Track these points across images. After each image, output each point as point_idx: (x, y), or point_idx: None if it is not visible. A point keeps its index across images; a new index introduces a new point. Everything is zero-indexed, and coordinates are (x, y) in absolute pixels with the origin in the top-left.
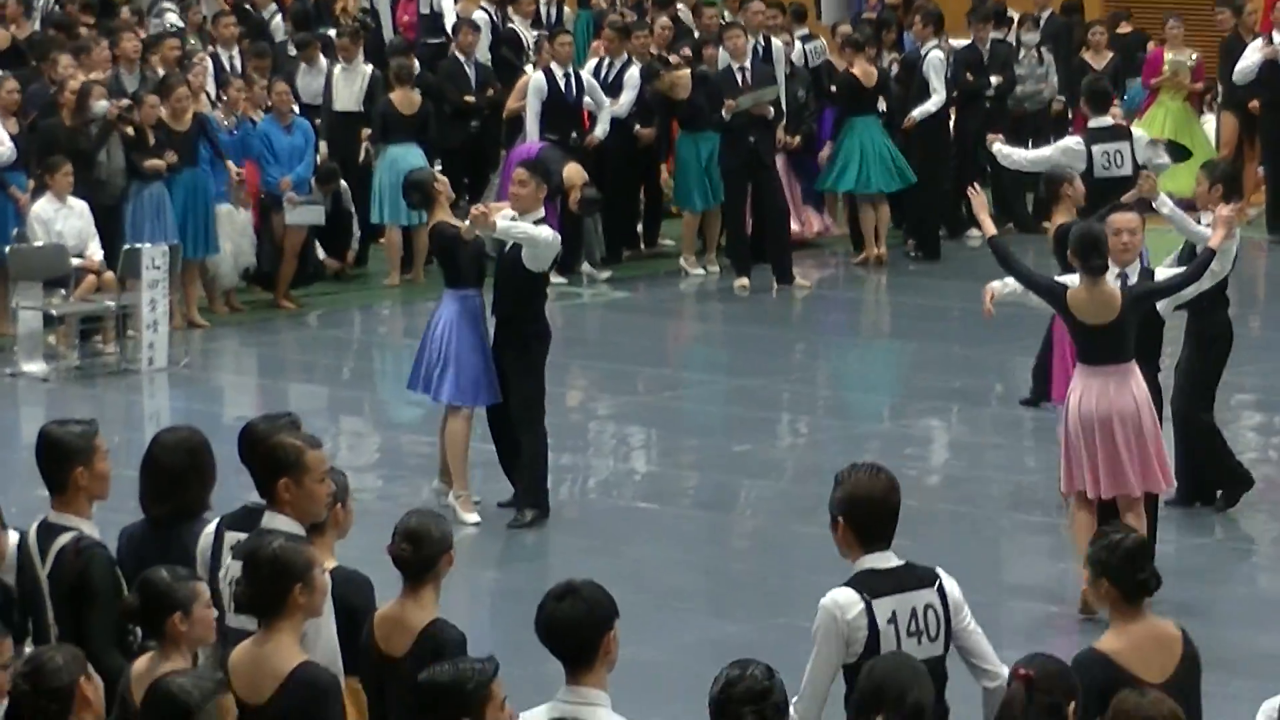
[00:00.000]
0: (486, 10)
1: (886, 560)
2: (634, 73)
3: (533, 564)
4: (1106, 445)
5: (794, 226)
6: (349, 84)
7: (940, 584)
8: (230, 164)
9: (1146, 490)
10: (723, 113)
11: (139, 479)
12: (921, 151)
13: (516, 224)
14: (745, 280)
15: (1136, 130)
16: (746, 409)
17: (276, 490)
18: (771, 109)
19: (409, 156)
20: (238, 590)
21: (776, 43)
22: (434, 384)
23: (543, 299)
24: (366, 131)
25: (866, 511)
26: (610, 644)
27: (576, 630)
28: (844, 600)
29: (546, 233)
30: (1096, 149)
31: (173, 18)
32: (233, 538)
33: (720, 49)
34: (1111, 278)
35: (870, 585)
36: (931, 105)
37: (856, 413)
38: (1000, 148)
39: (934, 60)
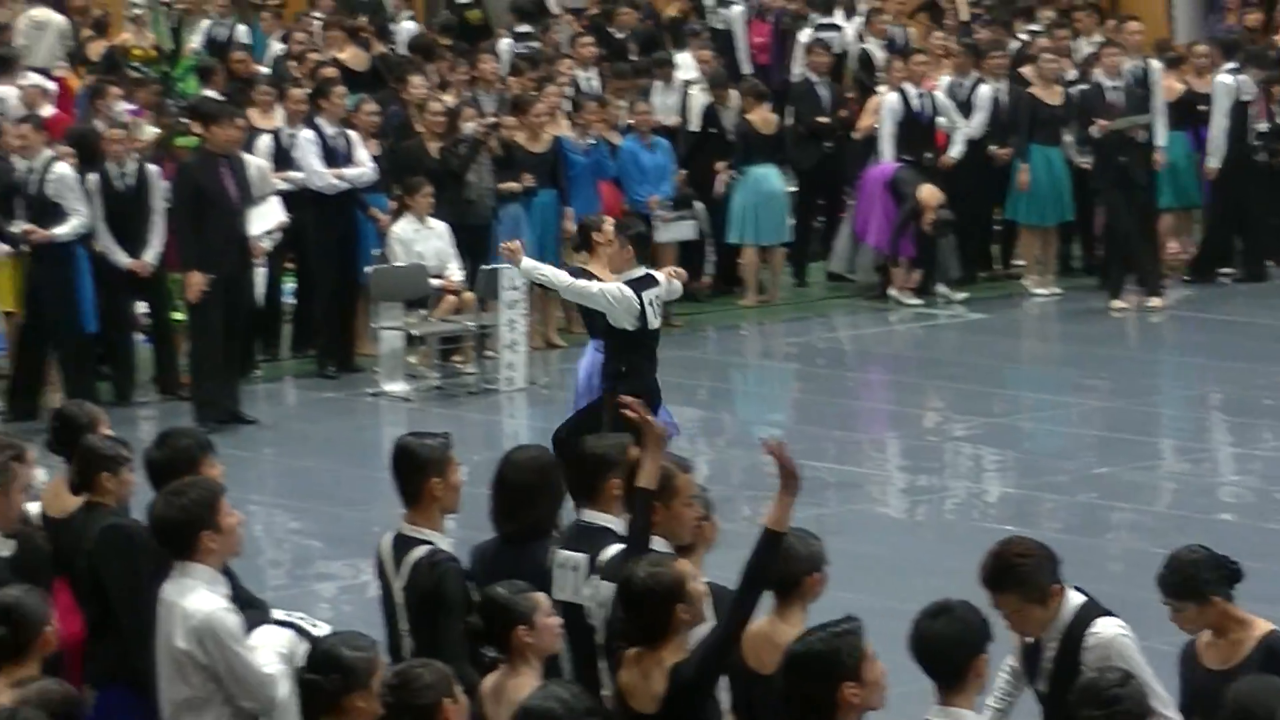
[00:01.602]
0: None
1: None
2: (984, 91)
3: (891, 582)
4: None
5: None
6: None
7: None
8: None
9: None
10: (1092, 130)
11: (490, 497)
12: None
13: (540, 266)
14: (1120, 301)
15: None
16: (1105, 430)
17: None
18: (1144, 131)
19: (771, 177)
20: (620, 624)
21: (1155, 64)
22: None
23: (628, 356)
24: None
25: None
26: (981, 666)
27: (948, 649)
28: None
29: (585, 285)
30: None
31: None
32: (576, 558)
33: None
34: None
35: None
36: None
37: (1220, 436)
38: None
39: None
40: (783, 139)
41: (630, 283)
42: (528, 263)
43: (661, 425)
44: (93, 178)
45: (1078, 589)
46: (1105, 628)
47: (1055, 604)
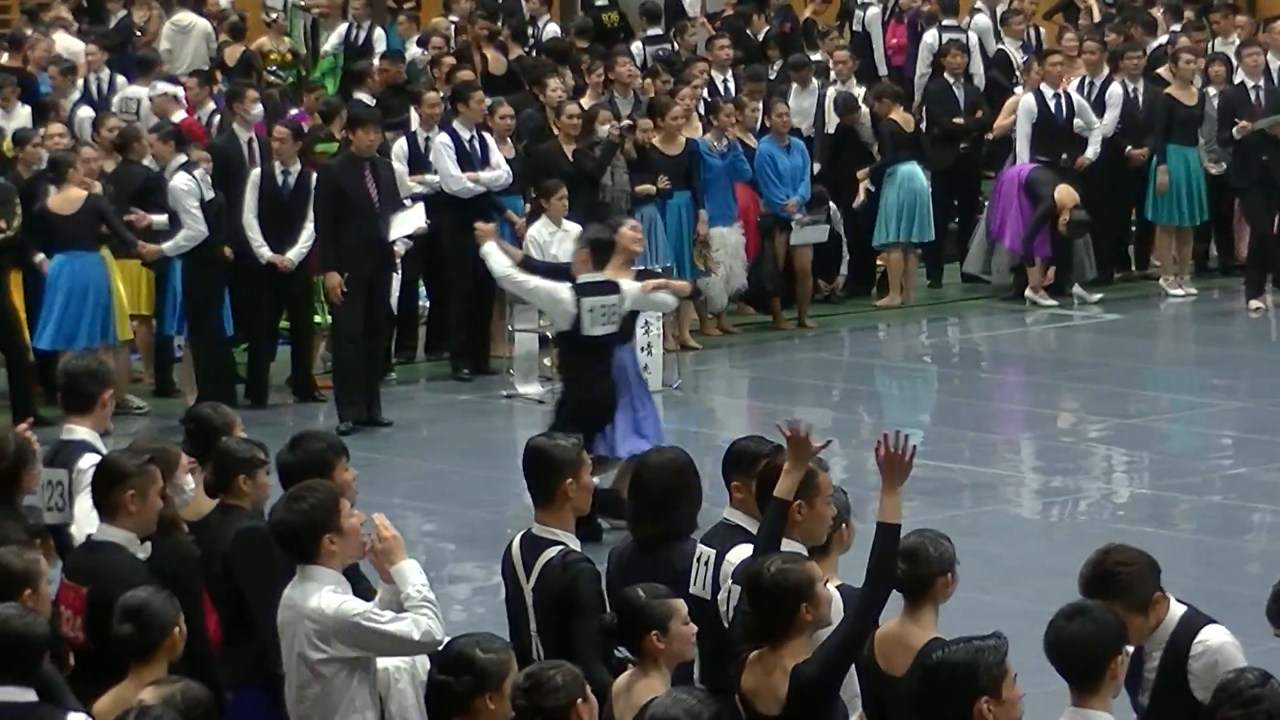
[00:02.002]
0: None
1: None
2: (1116, 90)
3: (1025, 584)
4: None
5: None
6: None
7: None
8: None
9: None
10: (1234, 132)
11: (628, 501)
12: None
13: (493, 252)
14: (1259, 301)
15: None
16: (1240, 431)
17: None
18: None
19: (917, 175)
20: (745, 619)
21: None
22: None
23: (570, 359)
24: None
25: None
26: (1117, 667)
27: (1084, 650)
28: None
29: (522, 279)
30: None
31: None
32: (708, 552)
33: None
34: None
35: None
36: None
37: None
38: None
39: None
40: (919, 138)
41: (582, 285)
42: (486, 247)
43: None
44: (254, 174)
45: (1179, 600)
46: (1213, 635)
47: (1157, 613)
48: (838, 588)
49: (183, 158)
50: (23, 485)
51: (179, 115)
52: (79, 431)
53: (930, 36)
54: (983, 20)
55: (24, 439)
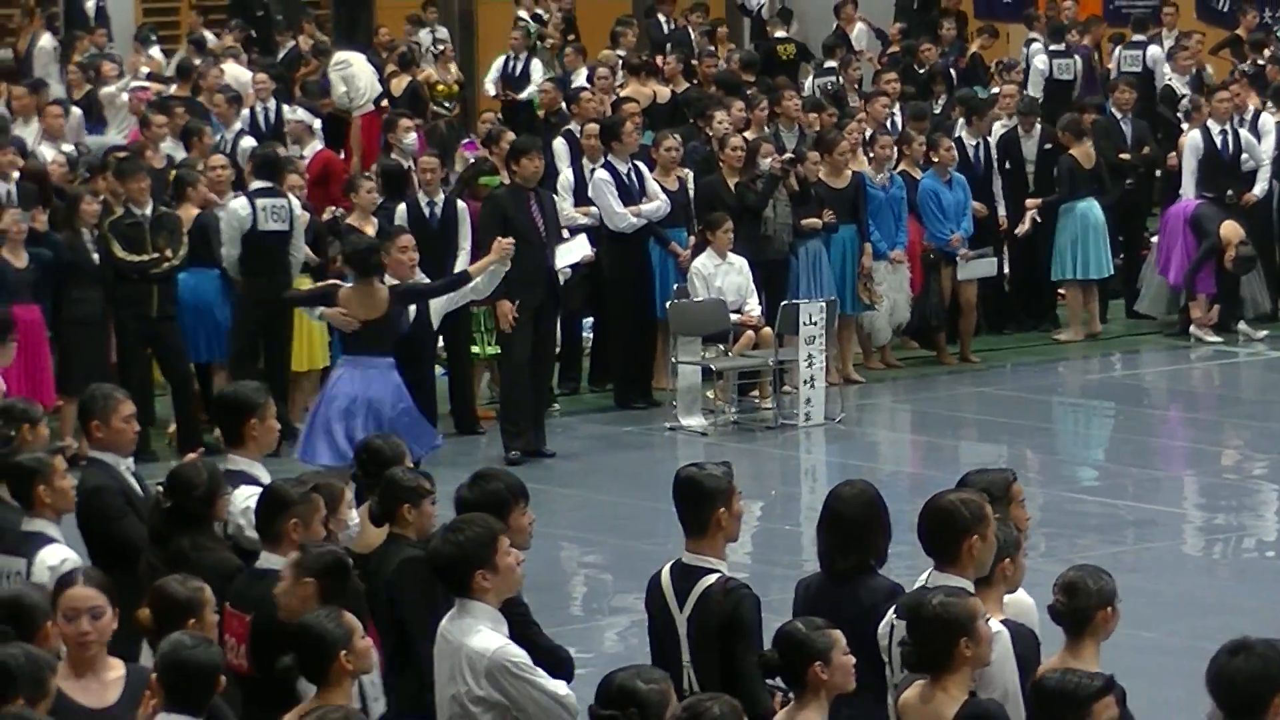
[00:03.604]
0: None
1: None
2: (1267, 119)
3: (1189, 621)
4: None
5: None
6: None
7: None
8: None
9: None
10: None
11: (819, 533)
12: None
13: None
14: None
15: None
16: None
17: (960, 550)
18: None
19: (1094, 211)
20: (905, 649)
21: None
22: None
23: None
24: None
25: None
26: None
27: (1249, 686)
28: None
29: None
30: None
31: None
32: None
33: None
34: None
35: None
36: None
37: None
38: None
39: None
40: (1101, 174)
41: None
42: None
43: None
44: (400, 209)
45: None
46: None
47: None
48: (1003, 622)
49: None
50: (217, 512)
51: (314, 146)
52: (239, 462)
53: (1041, 62)
54: (1156, 51)
55: (214, 467)
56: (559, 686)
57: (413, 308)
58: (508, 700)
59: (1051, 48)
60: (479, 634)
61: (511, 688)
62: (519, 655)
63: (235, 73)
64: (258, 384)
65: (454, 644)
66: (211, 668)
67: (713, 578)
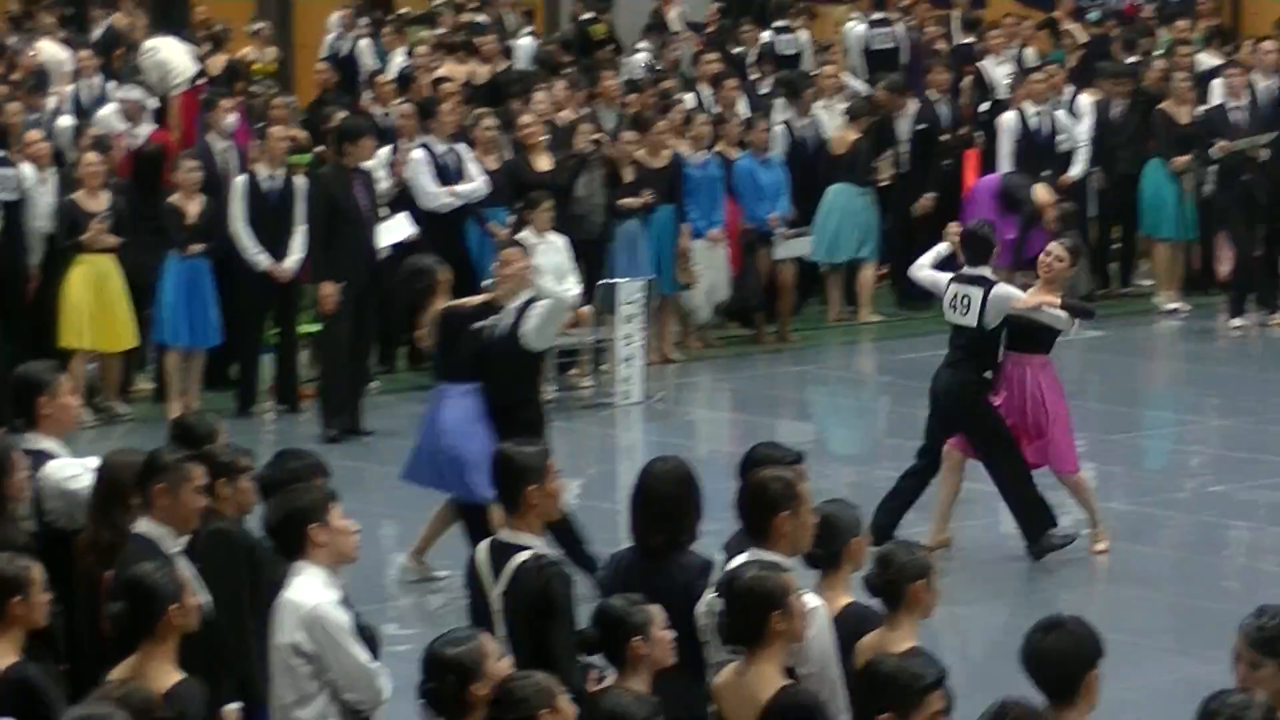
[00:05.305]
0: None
1: None
2: (1084, 101)
3: (1006, 600)
4: None
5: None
6: None
7: None
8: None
9: None
10: (1212, 151)
11: (631, 509)
12: None
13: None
14: (1240, 319)
15: None
16: (1222, 449)
17: (771, 526)
18: (1264, 152)
19: (852, 194)
20: (719, 621)
21: None
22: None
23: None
24: None
25: None
26: (1093, 682)
27: (1061, 663)
28: None
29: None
30: None
31: (645, 57)
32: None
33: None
34: None
35: None
36: None
37: None
38: None
39: None
40: (857, 160)
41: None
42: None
43: None
44: (240, 181)
45: None
46: None
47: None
48: (847, 606)
49: None
50: (9, 491)
51: (146, 127)
52: (38, 441)
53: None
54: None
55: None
56: (366, 657)
57: None
58: (321, 656)
59: (873, 17)
60: (303, 587)
61: (325, 643)
62: (339, 618)
63: (52, 51)
64: (50, 363)
65: (283, 603)
66: None
67: (526, 554)
